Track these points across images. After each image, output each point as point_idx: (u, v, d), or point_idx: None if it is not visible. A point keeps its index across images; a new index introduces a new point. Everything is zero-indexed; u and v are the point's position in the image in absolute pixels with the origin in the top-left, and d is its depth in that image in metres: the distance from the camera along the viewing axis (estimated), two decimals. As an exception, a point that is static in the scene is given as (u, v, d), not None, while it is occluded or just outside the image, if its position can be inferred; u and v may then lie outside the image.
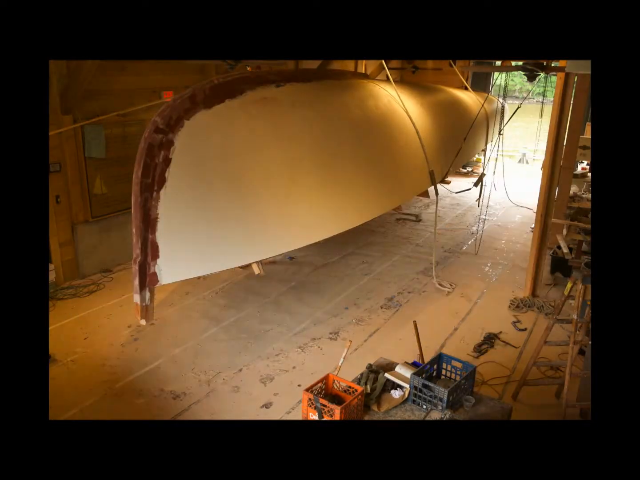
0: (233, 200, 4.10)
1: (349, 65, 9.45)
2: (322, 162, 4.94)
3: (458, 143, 7.97)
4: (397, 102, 6.84)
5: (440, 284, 7.18)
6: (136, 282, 3.74)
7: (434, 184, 6.96)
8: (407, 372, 3.62)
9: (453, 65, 11.03)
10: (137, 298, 3.75)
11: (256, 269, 4.37)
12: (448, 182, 8.21)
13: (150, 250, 3.74)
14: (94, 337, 5.68)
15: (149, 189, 3.70)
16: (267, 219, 4.29)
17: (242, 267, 4.80)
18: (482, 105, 9.06)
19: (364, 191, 5.45)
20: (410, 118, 6.82)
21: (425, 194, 7.63)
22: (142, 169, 3.67)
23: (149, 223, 3.71)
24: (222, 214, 4.04)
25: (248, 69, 6.90)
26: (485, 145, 10.58)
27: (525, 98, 9.36)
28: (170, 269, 3.80)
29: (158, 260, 3.76)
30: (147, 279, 3.78)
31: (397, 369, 3.73)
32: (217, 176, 4.04)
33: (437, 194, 7.20)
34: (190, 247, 3.88)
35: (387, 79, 7.35)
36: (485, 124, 10.34)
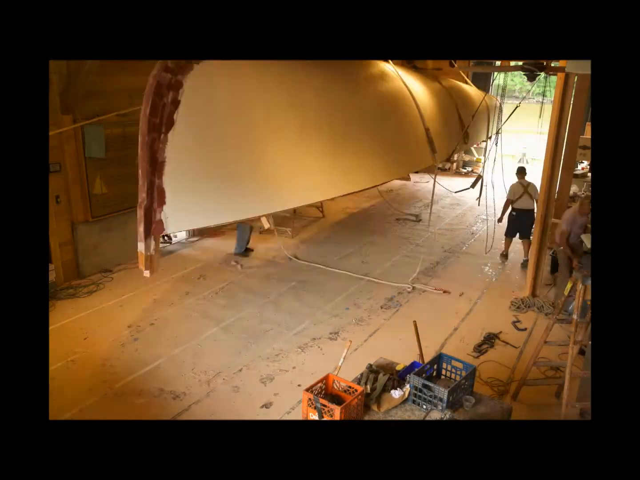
0: (242, 150, 3.98)
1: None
2: (332, 123, 4.91)
3: (465, 122, 8.16)
4: (403, 82, 6.89)
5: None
6: (141, 228, 3.49)
7: (430, 142, 7.01)
8: None
9: (454, 64, 11.05)
10: (141, 246, 3.48)
11: (265, 223, 4.23)
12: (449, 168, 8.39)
13: (156, 196, 3.53)
14: (94, 337, 5.68)
15: (157, 130, 3.52)
16: (276, 172, 4.18)
17: (247, 222, 4.58)
18: (484, 98, 9.10)
19: (373, 157, 5.51)
20: (413, 96, 6.88)
21: (407, 177, 7.83)
22: (150, 108, 3.46)
23: (156, 166, 3.52)
24: (231, 163, 3.91)
25: None
26: (487, 136, 10.60)
27: (524, 97, 9.37)
28: (177, 217, 3.63)
29: (164, 207, 3.55)
30: (152, 227, 3.55)
31: None
32: (226, 124, 3.90)
33: (435, 158, 7.17)
34: (198, 196, 3.71)
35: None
36: (486, 116, 10.47)
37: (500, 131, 8.25)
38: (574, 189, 8.69)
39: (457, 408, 3.45)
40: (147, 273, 3.52)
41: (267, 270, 7.69)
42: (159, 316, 6.17)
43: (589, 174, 9.65)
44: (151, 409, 4.52)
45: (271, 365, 5.22)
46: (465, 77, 11.81)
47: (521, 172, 8.10)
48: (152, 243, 3.56)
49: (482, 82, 14.23)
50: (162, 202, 3.55)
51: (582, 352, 4.92)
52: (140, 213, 3.49)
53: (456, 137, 8.06)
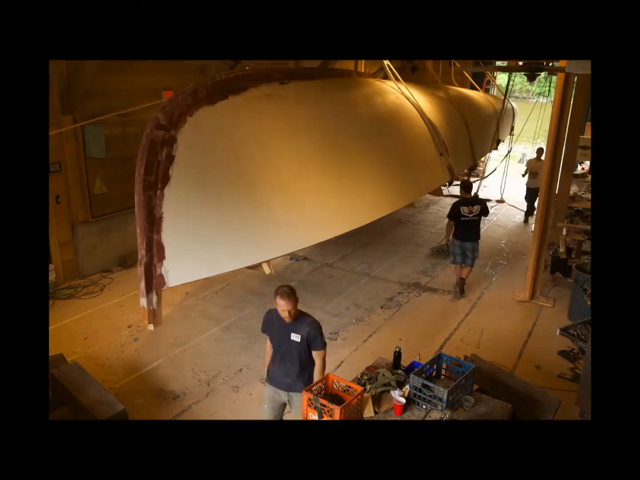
0: (240, 199, 3.95)
1: (348, 65, 9.47)
2: (331, 159, 4.84)
3: (473, 139, 8.08)
4: (404, 98, 6.83)
5: None
6: (142, 284, 3.52)
7: (452, 176, 6.99)
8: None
9: (455, 64, 11.02)
10: (143, 302, 3.52)
11: (267, 269, 4.17)
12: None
13: (155, 251, 3.53)
14: (94, 337, 5.68)
15: (153, 187, 3.54)
16: (276, 216, 4.14)
17: (250, 268, 4.53)
18: (504, 104, 8.88)
19: (376, 187, 5.34)
20: (422, 112, 6.80)
21: (438, 192, 7.67)
22: (145, 167, 3.51)
23: (153, 222, 3.54)
24: (230, 212, 3.88)
25: (247, 68, 6.93)
26: (496, 142, 10.51)
27: (527, 98, 9.37)
28: (178, 270, 3.62)
29: (164, 262, 3.57)
30: (153, 282, 3.57)
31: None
32: (223, 174, 3.91)
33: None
34: (198, 248, 3.69)
35: (390, 78, 7.35)
36: (494, 124, 10.39)
37: (512, 132, 8.19)
38: (574, 189, 8.68)
39: (457, 408, 3.45)
40: (151, 327, 3.51)
41: (267, 270, 7.69)
42: (159, 316, 6.17)
43: (589, 175, 9.64)
44: (151, 409, 4.52)
45: (271, 365, 5.21)
46: (472, 81, 11.70)
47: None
48: (154, 298, 3.55)
49: (482, 82, 14.21)
50: (162, 257, 3.54)
51: (582, 351, 4.92)
52: (140, 270, 3.48)
53: (465, 155, 7.94)
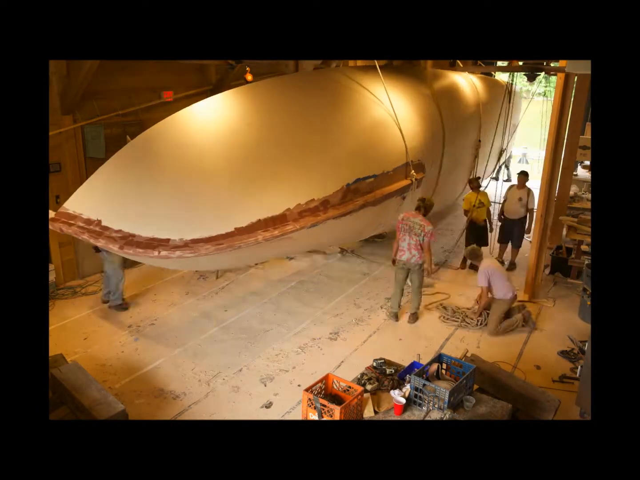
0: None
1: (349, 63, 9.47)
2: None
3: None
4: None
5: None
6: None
7: None
8: None
9: (459, 64, 10.91)
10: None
11: None
12: None
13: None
14: (94, 337, 5.68)
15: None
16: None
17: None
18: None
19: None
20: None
21: None
22: None
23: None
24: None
25: (247, 69, 7.04)
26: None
27: (529, 99, 9.29)
28: (78, 200, 4.35)
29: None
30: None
31: None
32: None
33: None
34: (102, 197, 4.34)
35: None
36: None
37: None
38: (574, 189, 8.69)
39: (457, 408, 3.45)
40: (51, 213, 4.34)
41: (267, 270, 7.69)
42: (159, 316, 6.17)
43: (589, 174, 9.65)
44: (151, 409, 4.52)
45: (271, 365, 5.21)
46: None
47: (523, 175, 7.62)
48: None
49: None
50: None
51: (582, 351, 4.91)
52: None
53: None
